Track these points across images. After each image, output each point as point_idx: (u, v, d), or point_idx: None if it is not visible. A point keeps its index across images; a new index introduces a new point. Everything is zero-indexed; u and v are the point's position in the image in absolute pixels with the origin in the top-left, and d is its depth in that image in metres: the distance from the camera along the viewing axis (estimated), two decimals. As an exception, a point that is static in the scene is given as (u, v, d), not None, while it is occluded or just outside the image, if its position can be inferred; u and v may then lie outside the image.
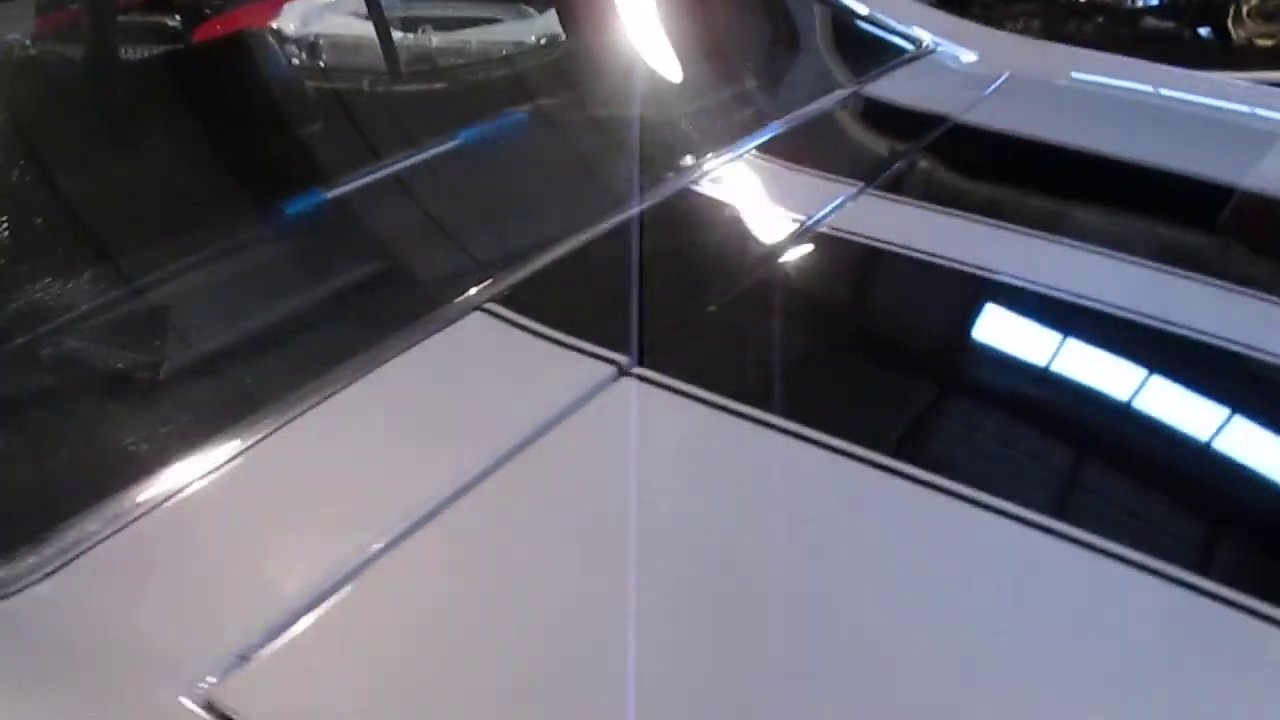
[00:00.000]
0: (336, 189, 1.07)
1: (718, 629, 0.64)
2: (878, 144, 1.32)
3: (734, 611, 0.65)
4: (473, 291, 0.92)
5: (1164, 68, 1.63)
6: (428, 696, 0.60)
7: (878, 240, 1.05)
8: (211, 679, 0.59)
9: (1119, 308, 0.94)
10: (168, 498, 0.70)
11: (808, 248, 1.03)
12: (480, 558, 0.69)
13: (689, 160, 1.19)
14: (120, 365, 0.85)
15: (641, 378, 0.84)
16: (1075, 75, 1.62)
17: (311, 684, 0.61)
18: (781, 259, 1.01)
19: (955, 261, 1.01)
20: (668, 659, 0.62)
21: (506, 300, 0.91)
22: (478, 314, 0.89)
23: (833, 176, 1.17)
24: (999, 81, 1.51)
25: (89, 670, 0.60)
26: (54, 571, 0.65)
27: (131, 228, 0.99)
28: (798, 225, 1.06)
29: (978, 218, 1.12)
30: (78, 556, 0.66)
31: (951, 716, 0.59)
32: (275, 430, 0.76)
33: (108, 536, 0.67)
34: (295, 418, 0.77)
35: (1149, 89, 1.59)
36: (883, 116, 1.40)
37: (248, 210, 1.09)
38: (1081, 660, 0.62)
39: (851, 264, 1.04)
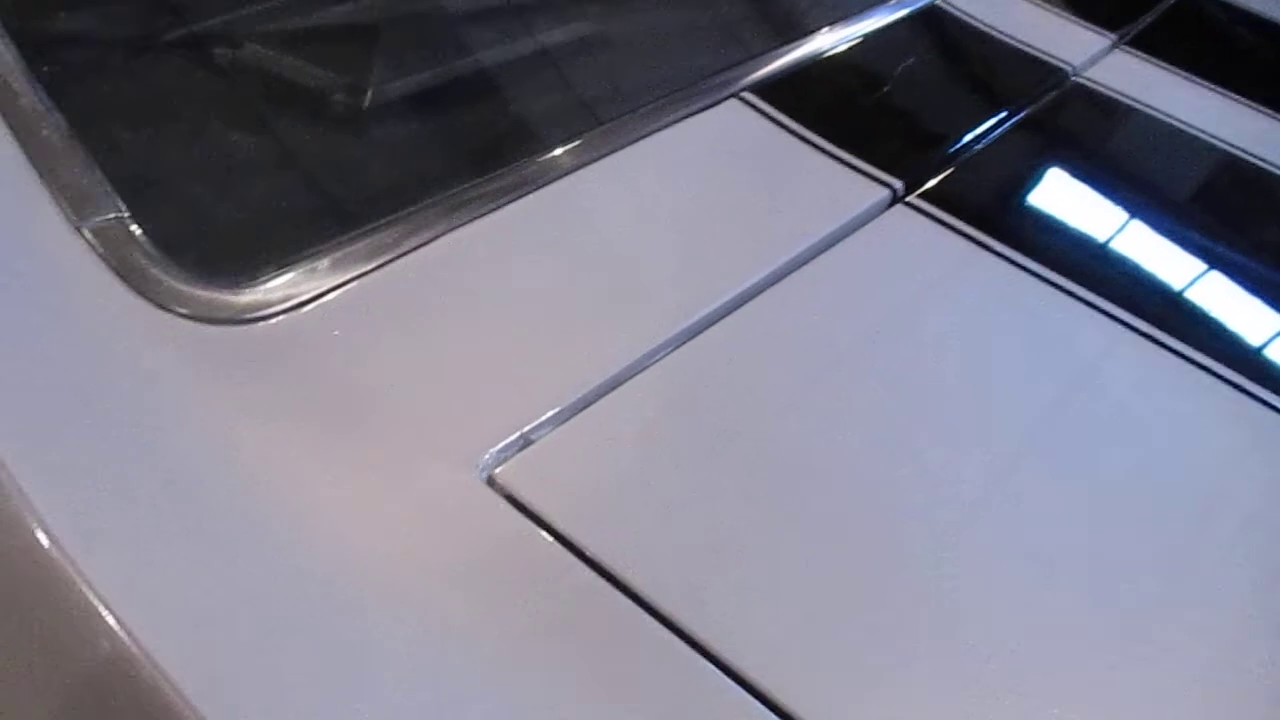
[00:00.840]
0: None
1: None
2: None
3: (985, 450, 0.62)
4: (729, 75, 0.82)
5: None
6: (702, 501, 0.55)
7: (1140, 102, 0.97)
8: (494, 454, 0.53)
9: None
10: (433, 239, 0.62)
11: (1072, 97, 0.95)
12: (757, 372, 0.63)
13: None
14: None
15: (915, 208, 0.76)
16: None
17: (590, 476, 0.55)
18: (1050, 105, 0.92)
19: (1216, 139, 0.94)
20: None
21: (766, 92, 0.81)
22: (735, 101, 0.80)
23: (1083, 23, 1.07)
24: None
25: (365, 418, 0.54)
26: (309, 302, 0.58)
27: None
28: (1060, 73, 0.96)
29: (1230, 94, 1.03)
30: (336, 290, 0.58)
31: None
32: (531, 192, 0.67)
33: (370, 271, 0.59)
34: (553, 180, 0.68)
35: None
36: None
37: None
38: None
39: (1117, 122, 0.95)
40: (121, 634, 0.42)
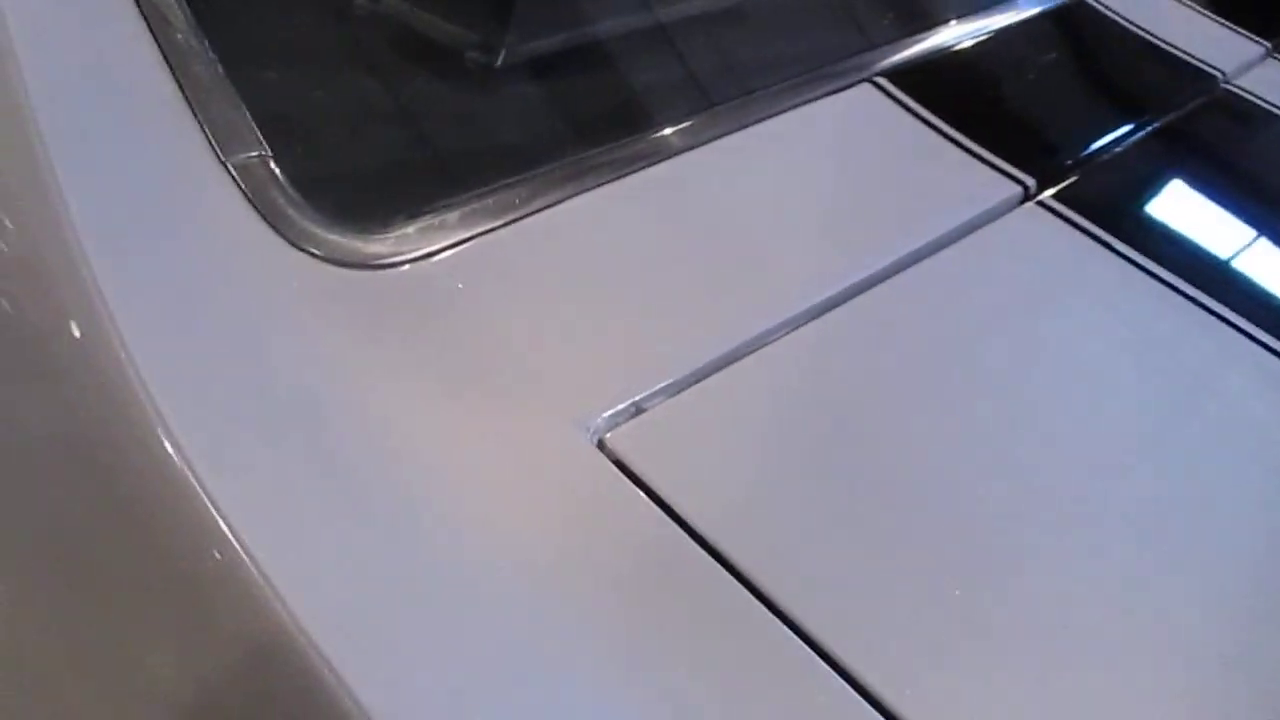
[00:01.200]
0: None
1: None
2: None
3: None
4: (864, 59, 0.80)
5: None
6: (806, 483, 0.54)
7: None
8: (606, 419, 0.54)
9: None
10: (559, 202, 0.62)
11: (1221, 105, 0.91)
12: (873, 359, 0.62)
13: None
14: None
15: (1047, 206, 0.74)
16: None
17: (698, 449, 0.55)
18: (1197, 112, 0.89)
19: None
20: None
21: (901, 79, 0.79)
22: (868, 86, 0.79)
23: (1237, 30, 1.02)
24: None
25: (481, 372, 0.54)
26: (436, 253, 0.58)
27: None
28: (1211, 80, 0.93)
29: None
30: (459, 245, 0.59)
31: None
32: (659, 162, 0.67)
33: (496, 229, 0.60)
34: (682, 152, 0.68)
35: None
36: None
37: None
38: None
39: (1267, 134, 0.91)
40: (234, 542, 0.43)
